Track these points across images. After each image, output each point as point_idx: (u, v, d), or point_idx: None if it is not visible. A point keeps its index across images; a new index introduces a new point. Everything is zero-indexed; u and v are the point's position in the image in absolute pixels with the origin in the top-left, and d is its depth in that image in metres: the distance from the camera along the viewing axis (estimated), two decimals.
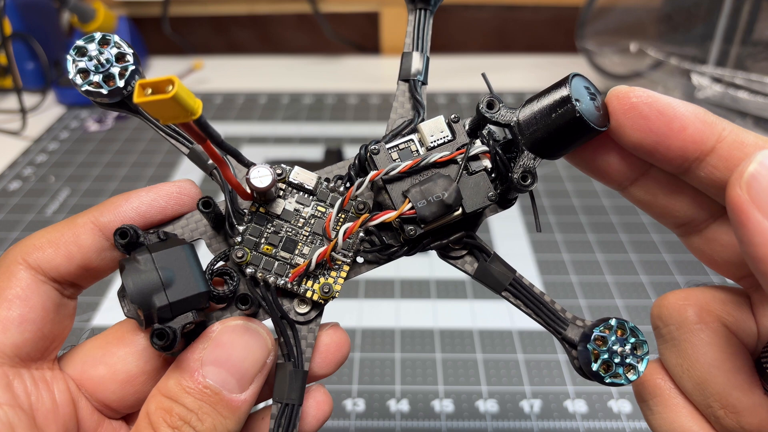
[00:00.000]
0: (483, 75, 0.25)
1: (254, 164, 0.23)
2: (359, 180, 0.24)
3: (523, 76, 0.95)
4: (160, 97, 0.17)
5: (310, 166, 0.77)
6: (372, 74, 0.98)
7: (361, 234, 0.24)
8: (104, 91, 0.23)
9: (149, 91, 0.17)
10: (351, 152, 0.73)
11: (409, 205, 0.23)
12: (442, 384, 0.45)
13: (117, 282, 0.54)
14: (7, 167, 0.72)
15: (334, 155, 0.71)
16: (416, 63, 0.26)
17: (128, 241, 0.22)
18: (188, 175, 0.70)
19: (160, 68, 0.98)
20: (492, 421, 0.42)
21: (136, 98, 0.17)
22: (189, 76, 0.94)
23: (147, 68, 0.98)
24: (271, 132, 0.80)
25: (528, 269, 0.55)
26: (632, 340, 0.23)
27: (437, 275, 0.54)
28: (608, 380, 0.23)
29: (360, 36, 1.06)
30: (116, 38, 0.23)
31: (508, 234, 0.59)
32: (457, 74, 0.94)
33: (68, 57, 0.22)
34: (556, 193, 0.66)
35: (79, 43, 0.22)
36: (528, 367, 0.46)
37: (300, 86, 0.92)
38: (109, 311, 0.51)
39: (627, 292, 0.52)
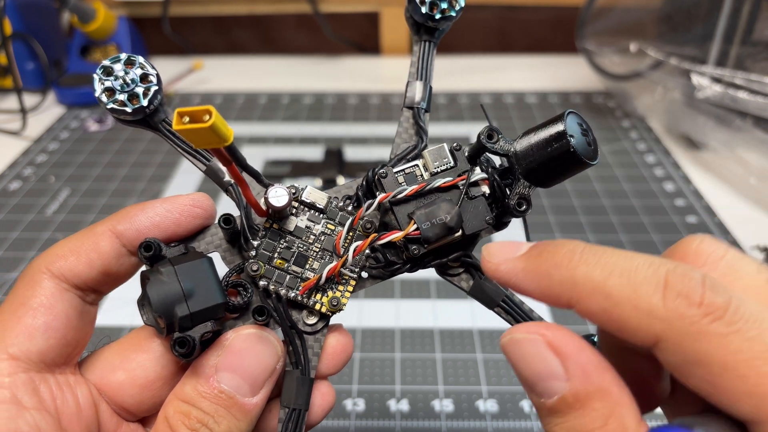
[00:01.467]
0: (482, 106, 0.28)
1: (271, 184, 0.25)
2: (368, 201, 0.25)
3: (523, 76, 0.95)
4: (198, 126, 0.18)
5: (310, 166, 0.77)
6: (372, 74, 0.98)
7: (367, 251, 0.26)
8: (128, 110, 0.24)
9: (186, 119, 0.18)
10: (351, 152, 0.74)
11: (414, 226, 0.24)
12: (442, 384, 0.45)
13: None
14: (7, 167, 0.72)
15: (334, 155, 0.71)
16: (419, 92, 0.28)
17: (152, 254, 0.23)
18: (187, 175, 0.70)
19: (160, 68, 0.97)
20: (492, 421, 0.42)
21: (175, 125, 0.18)
22: (189, 76, 0.94)
23: None
24: (271, 132, 0.80)
25: None
26: None
27: (437, 275, 0.54)
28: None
29: (360, 36, 1.06)
30: (141, 59, 0.24)
31: (508, 234, 0.59)
32: (457, 74, 0.95)
33: (95, 76, 0.24)
34: (556, 193, 0.66)
35: (106, 63, 0.24)
36: None
37: (300, 86, 0.92)
38: (109, 312, 0.51)
39: None
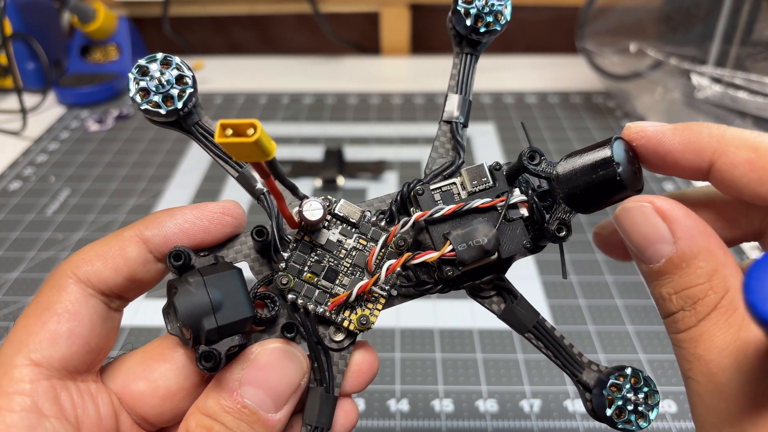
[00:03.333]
0: (522, 124, 0.28)
1: (307, 197, 0.24)
2: (404, 219, 0.25)
3: (523, 76, 0.95)
4: (242, 140, 0.17)
5: (310, 166, 0.76)
6: (372, 74, 0.98)
7: (398, 268, 0.25)
8: (162, 111, 0.23)
9: (230, 132, 0.18)
10: (351, 152, 0.74)
11: (450, 247, 0.24)
12: (442, 384, 0.45)
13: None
14: (7, 167, 0.72)
15: (334, 155, 0.71)
16: (459, 106, 0.27)
17: (182, 264, 0.23)
18: (190, 174, 0.70)
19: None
20: (492, 421, 0.42)
21: (218, 138, 0.18)
22: None
23: None
24: (272, 132, 0.80)
25: (528, 269, 0.55)
26: (645, 389, 0.24)
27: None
28: (621, 426, 0.24)
29: (360, 36, 1.06)
30: (177, 60, 0.24)
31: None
32: None
33: (130, 75, 0.23)
34: None
35: (142, 62, 0.23)
36: (528, 367, 0.46)
37: (300, 86, 0.93)
38: None
39: (627, 292, 0.53)
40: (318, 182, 0.68)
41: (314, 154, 0.74)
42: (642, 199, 0.22)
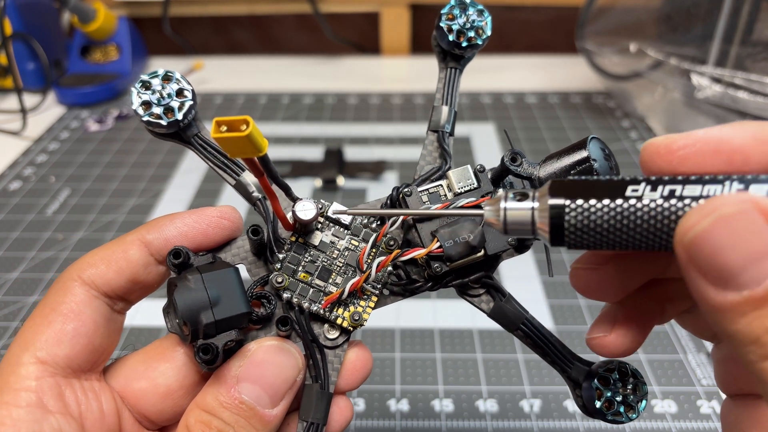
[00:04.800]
0: (505, 131, 0.28)
1: (300, 199, 0.26)
2: (392, 218, 0.26)
3: (523, 77, 0.95)
4: (235, 135, 0.19)
5: (310, 166, 0.76)
6: (372, 74, 0.98)
7: (389, 268, 0.26)
8: (164, 122, 0.25)
9: (224, 128, 0.19)
10: (351, 152, 0.74)
11: (438, 244, 0.25)
12: (442, 384, 0.45)
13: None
14: (7, 167, 0.72)
15: (334, 155, 0.71)
16: (445, 116, 0.28)
17: (181, 262, 0.24)
18: (190, 174, 0.70)
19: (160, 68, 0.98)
20: (492, 421, 0.42)
21: (213, 134, 0.19)
22: (189, 76, 0.94)
23: (147, 69, 0.99)
24: (272, 132, 0.80)
25: (528, 269, 0.55)
26: (632, 381, 0.25)
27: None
28: (610, 417, 0.25)
29: (360, 36, 1.06)
30: (178, 75, 0.25)
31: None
32: None
33: (133, 89, 0.25)
34: None
35: (144, 77, 0.25)
36: (528, 367, 0.46)
37: (300, 86, 0.93)
38: None
39: None
40: (318, 182, 0.68)
41: (314, 154, 0.74)
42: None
